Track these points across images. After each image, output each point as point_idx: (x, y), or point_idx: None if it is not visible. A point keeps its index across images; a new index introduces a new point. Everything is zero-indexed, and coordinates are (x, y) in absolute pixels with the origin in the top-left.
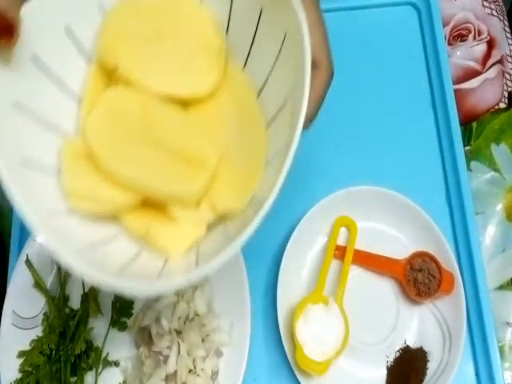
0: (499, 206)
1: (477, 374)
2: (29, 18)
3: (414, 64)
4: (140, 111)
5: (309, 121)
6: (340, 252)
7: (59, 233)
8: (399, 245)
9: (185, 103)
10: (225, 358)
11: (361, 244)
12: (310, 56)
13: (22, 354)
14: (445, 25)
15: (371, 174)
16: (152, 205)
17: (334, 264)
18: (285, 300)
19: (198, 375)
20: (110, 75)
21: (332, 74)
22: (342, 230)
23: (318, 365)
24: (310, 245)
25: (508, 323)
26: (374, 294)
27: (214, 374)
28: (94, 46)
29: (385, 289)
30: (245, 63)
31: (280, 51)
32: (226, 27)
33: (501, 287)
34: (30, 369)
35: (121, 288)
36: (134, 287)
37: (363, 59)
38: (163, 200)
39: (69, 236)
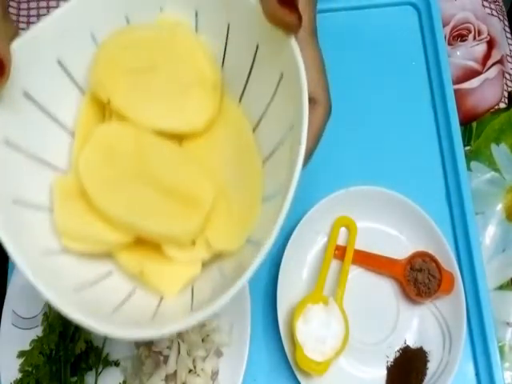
0: (499, 206)
1: (477, 374)
2: (19, 53)
3: (413, 64)
4: (134, 147)
5: (307, 157)
6: (340, 252)
7: (49, 273)
8: (399, 245)
9: (179, 138)
10: (225, 358)
11: (361, 244)
12: (307, 98)
13: (21, 353)
14: (445, 25)
15: (371, 174)
16: (147, 242)
17: (334, 264)
18: (285, 300)
19: (197, 375)
20: (103, 107)
21: (330, 109)
22: (342, 229)
23: (318, 365)
24: (310, 245)
25: (508, 323)
26: (374, 294)
27: (214, 374)
28: (86, 79)
29: (385, 289)
30: (240, 97)
31: (277, 88)
32: (221, 61)
33: (501, 287)
34: (30, 369)
35: (111, 334)
36: (124, 335)
37: (363, 59)
38: (157, 240)
39: (60, 276)
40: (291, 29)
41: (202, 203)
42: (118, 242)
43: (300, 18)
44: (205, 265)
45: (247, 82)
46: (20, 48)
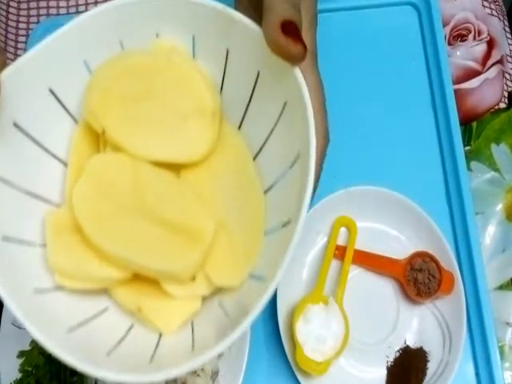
0: (499, 206)
1: (477, 374)
2: (9, 83)
3: (414, 64)
4: (130, 178)
5: (314, 188)
6: (340, 252)
7: (41, 312)
8: (399, 245)
9: (177, 167)
10: (225, 358)
11: (361, 244)
12: (314, 130)
13: (21, 354)
14: (445, 25)
15: (371, 174)
16: (144, 278)
17: (334, 264)
18: (285, 300)
19: (197, 375)
20: (97, 137)
21: (328, 139)
22: (342, 229)
23: (318, 365)
24: (310, 245)
25: (508, 323)
26: (374, 294)
27: (214, 374)
28: (79, 107)
29: (385, 289)
30: (240, 124)
31: (280, 116)
32: (219, 87)
33: (501, 287)
34: (29, 369)
35: (106, 379)
36: (120, 379)
37: (363, 59)
38: (156, 276)
39: (53, 315)
40: (295, 60)
41: (202, 237)
42: (115, 278)
43: (305, 48)
44: (205, 299)
45: (247, 108)
46: (9, 77)
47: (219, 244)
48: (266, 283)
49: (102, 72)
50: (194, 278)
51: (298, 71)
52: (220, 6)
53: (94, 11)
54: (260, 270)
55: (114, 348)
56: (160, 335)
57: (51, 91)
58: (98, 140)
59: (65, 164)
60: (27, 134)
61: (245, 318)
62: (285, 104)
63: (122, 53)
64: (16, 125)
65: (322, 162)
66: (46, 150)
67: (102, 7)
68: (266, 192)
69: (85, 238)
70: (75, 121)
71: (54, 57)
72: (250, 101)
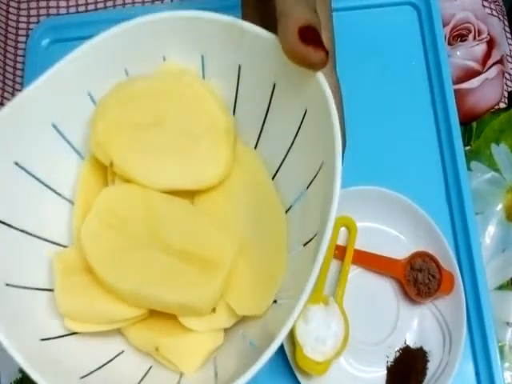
0: (499, 206)
1: (477, 374)
2: (9, 120)
3: (413, 64)
4: (141, 210)
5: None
6: (340, 252)
7: (50, 361)
8: (399, 245)
9: (192, 193)
10: None
11: (361, 244)
12: (340, 137)
13: None
14: (445, 25)
15: (371, 173)
16: (160, 314)
17: (334, 264)
18: None
19: None
20: (105, 171)
21: (345, 143)
22: (342, 229)
23: (318, 365)
24: None
25: (508, 323)
26: (374, 294)
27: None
28: (85, 142)
29: (385, 289)
30: (256, 143)
31: (299, 127)
32: (233, 105)
33: (501, 287)
34: None
35: None
36: None
37: (363, 59)
38: (174, 311)
39: (63, 363)
40: (317, 67)
41: (220, 264)
42: (128, 317)
43: (327, 53)
44: (227, 331)
45: (263, 125)
46: (10, 114)
47: (240, 271)
48: (290, 306)
49: (107, 101)
50: (214, 310)
51: (320, 76)
52: (227, 18)
53: (95, 39)
54: (284, 293)
55: None
56: (181, 375)
57: (54, 126)
58: (106, 175)
59: (71, 202)
60: (30, 174)
61: (270, 345)
62: (305, 113)
63: (127, 79)
64: (18, 164)
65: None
66: (51, 189)
67: (102, 35)
68: (287, 211)
69: (95, 278)
70: (81, 156)
71: (56, 90)
72: (265, 117)
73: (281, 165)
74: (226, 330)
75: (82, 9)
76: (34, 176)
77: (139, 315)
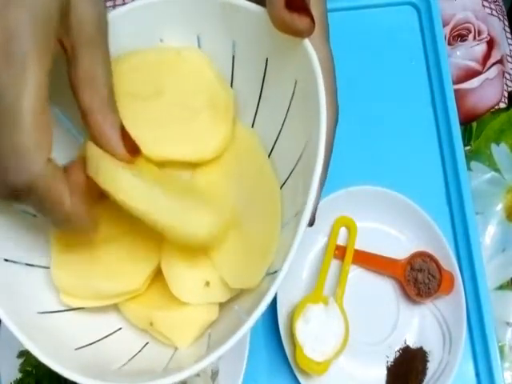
0: (499, 206)
1: (477, 374)
2: None
3: (414, 64)
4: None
5: (324, 170)
6: (340, 252)
7: (47, 334)
8: (399, 245)
9: (192, 166)
10: (225, 358)
11: (361, 244)
12: (325, 106)
13: (21, 354)
14: (445, 25)
15: (371, 174)
16: (155, 289)
17: (334, 264)
18: (285, 300)
19: (198, 375)
20: None
21: (337, 114)
22: (342, 229)
23: (318, 365)
24: (310, 245)
25: (508, 323)
26: (374, 294)
27: (214, 374)
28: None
29: (385, 289)
30: (253, 121)
31: (291, 99)
32: (229, 83)
33: (501, 287)
34: (30, 369)
35: None
36: None
37: (363, 59)
38: (161, 229)
39: (59, 336)
40: (303, 34)
41: (222, 209)
42: (123, 292)
43: (313, 20)
44: (222, 308)
45: (259, 101)
46: None
47: (233, 245)
48: (277, 275)
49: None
50: (208, 284)
51: (307, 42)
52: None
53: None
54: (276, 264)
55: (125, 364)
56: (175, 349)
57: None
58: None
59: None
60: None
61: (258, 306)
62: (295, 85)
63: (127, 52)
64: None
65: (333, 140)
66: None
67: None
68: (282, 186)
69: (91, 254)
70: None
71: None
72: (260, 93)
73: (276, 141)
74: (220, 307)
75: None
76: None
77: (134, 289)
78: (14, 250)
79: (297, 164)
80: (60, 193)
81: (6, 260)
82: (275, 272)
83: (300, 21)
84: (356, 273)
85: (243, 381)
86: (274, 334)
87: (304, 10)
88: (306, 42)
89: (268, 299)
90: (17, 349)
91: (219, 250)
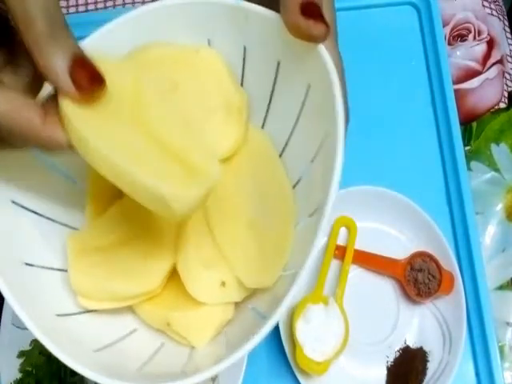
0: (499, 206)
1: (477, 374)
2: None
3: (414, 64)
4: (129, 91)
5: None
6: (340, 252)
7: (66, 335)
8: (399, 245)
9: None
10: None
11: (361, 244)
12: (342, 107)
13: (22, 353)
14: (445, 25)
15: (371, 174)
16: (171, 290)
17: (334, 264)
18: None
19: None
20: None
21: (348, 117)
22: (342, 229)
23: (318, 365)
24: None
25: (508, 323)
26: (374, 294)
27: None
28: None
29: (385, 289)
30: (264, 121)
31: (304, 102)
32: (240, 82)
33: (501, 287)
34: (30, 369)
35: None
36: None
37: (363, 59)
38: (142, 200)
39: (78, 337)
40: (318, 39)
41: (206, 174)
42: (139, 293)
43: (327, 26)
44: (237, 308)
45: (270, 103)
46: None
47: (248, 244)
48: (296, 273)
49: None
50: (224, 284)
51: (321, 48)
52: (231, 1)
53: (104, 28)
54: (292, 263)
55: (145, 364)
56: (192, 349)
57: None
58: None
59: (83, 188)
60: (47, 164)
61: (276, 310)
62: (308, 88)
63: (142, 46)
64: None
65: (344, 141)
66: (65, 175)
67: (111, 24)
68: (294, 186)
69: (106, 256)
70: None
71: None
72: (271, 96)
73: (287, 141)
74: (236, 306)
75: (82, 9)
76: (52, 166)
77: (151, 290)
78: (33, 254)
79: (311, 164)
80: (29, 115)
81: (26, 264)
82: (290, 271)
83: (315, 27)
84: (356, 273)
85: (243, 381)
86: (274, 334)
87: (319, 16)
88: (320, 46)
89: (289, 298)
90: (17, 349)
91: (234, 250)
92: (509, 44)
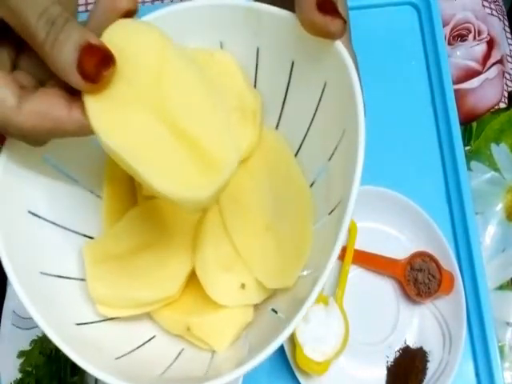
0: (499, 206)
1: (477, 374)
2: None
3: (414, 64)
4: (154, 68)
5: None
6: (340, 252)
7: (87, 343)
8: (399, 245)
9: None
10: None
11: (361, 244)
12: (361, 100)
13: (22, 353)
14: (445, 25)
15: (371, 174)
16: (189, 296)
17: (334, 264)
18: None
19: None
20: None
21: (365, 112)
22: None
23: (318, 365)
24: None
25: (508, 323)
26: (374, 294)
27: None
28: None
29: (385, 289)
30: (278, 122)
31: (320, 101)
32: (253, 84)
33: (501, 287)
34: (30, 369)
35: None
36: None
37: (362, 59)
38: (152, 188)
39: (98, 345)
40: (335, 36)
41: (221, 169)
42: (157, 299)
43: (344, 21)
44: (256, 310)
45: (284, 103)
46: None
47: (267, 246)
48: (318, 272)
49: None
50: (243, 286)
51: (339, 44)
52: (244, 2)
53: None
54: (311, 262)
55: (167, 369)
56: (213, 353)
57: None
58: None
59: (99, 197)
60: (61, 171)
61: (298, 312)
62: (324, 86)
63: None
64: (46, 160)
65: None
66: (80, 184)
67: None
68: (312, 185)
69: (123, 264)
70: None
71: None
72: (285, 96)
73: (303, 141)
74: (255, 309)
75: (82, 9)
76: (67, 175)
77: (170, 296)
78: (50, 264)
79: (328, 162)
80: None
81: (42, 273)
82: (310, 270)
83: (333, 23)
84: (356, 273)
85: (243, 381)
86: None
87: (336, 12)
88: (338, 42)
89: (313, 298)
90: (17, 349)
91: (253, 251)
92: (509, 44)
